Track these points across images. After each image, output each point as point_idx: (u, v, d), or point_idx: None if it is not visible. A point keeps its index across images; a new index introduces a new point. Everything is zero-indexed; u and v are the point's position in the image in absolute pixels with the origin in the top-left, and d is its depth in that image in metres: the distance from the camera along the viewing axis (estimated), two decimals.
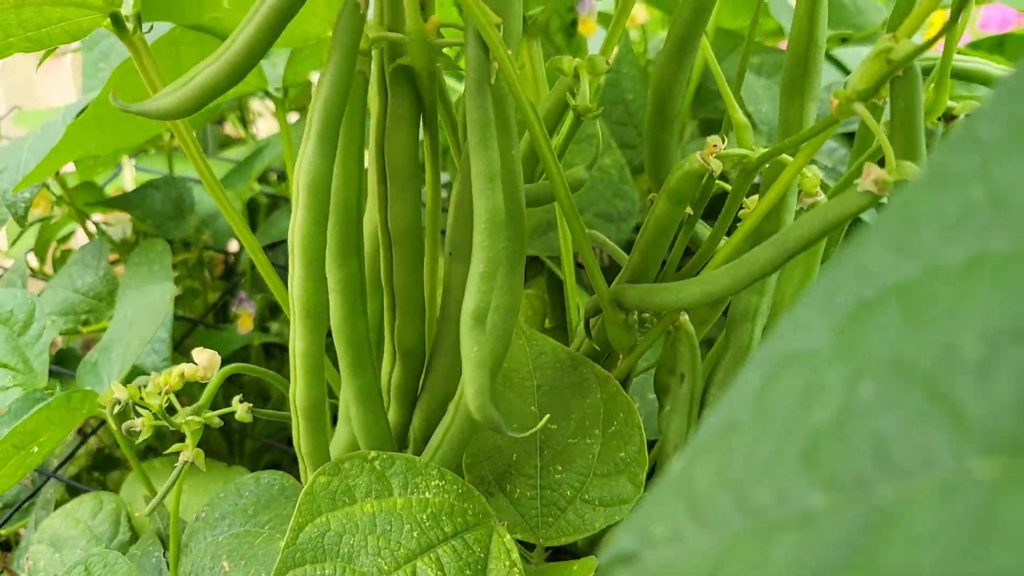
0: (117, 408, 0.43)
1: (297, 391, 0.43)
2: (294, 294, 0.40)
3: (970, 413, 0.12)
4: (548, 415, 0.51)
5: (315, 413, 0.46)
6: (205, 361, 0.46)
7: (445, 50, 0.39)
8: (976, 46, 1.00)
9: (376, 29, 0.38)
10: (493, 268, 0.37)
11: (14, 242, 0.97)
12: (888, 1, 0.97)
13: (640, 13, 0.94)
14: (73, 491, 0.79)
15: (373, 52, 0.39)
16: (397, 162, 0.41)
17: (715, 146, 0.39)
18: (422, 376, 0.50)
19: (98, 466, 0.91)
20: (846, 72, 1.00)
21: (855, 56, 0.99)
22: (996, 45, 1.05)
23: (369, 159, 0.43)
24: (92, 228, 0.90)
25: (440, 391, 0.48)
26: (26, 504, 0.76)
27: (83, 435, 0.81)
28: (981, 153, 0.14)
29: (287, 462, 0.85)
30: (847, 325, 0.14)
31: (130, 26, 0.54)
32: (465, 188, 0.41)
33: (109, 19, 0.53)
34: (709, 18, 0.42)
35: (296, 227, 0.38)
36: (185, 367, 0.46)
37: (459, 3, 0.35)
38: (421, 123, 0.42)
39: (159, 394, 0.45)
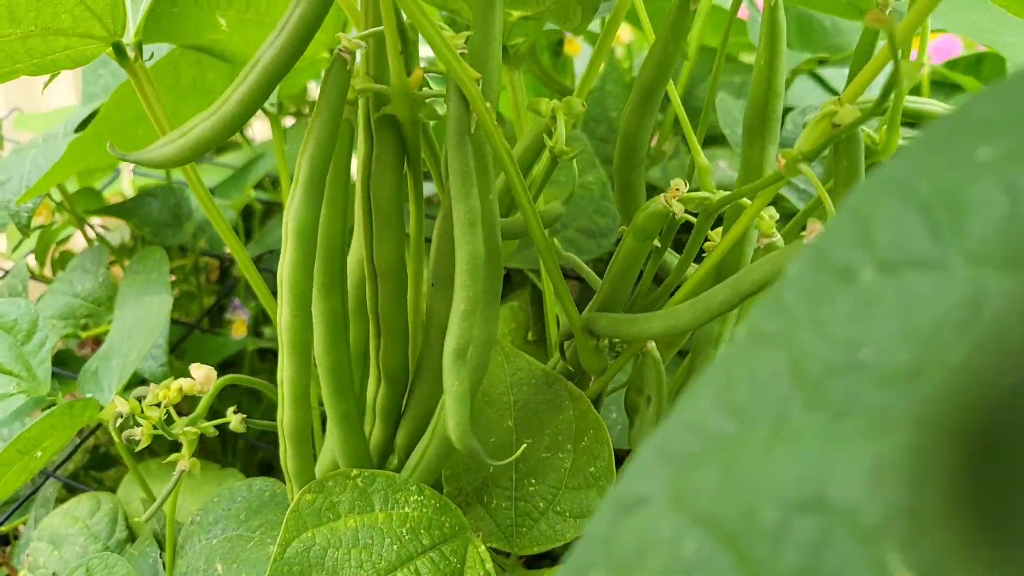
0: (119, 421, 0.46)
1: (284, 416, 0.47)
2: (282, 327, 0.43)
3: None
4: (525, 444, 0.54)
5: (300, 436, 0.49)
6: (202, 376, 0.49)
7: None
8: (953, 65, 1.04)
9: (362, 80, 0.41)
10: (473, 307, 0.40)
11: (16, 248, 1.00)
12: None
13: (625, 32, 0.97)
14: (71, 490, 0.82)
15: (359, 100, 0.42)
16: (382, 203, 0.44)
17: (677, 189, 0.43)
18: (405, 397, 0.53)
19: (95, 464, 0.94)
20: (830, 90, 1.03)
21: (839, 76, 1.01)
22: (973, 64, 1.08)
23: (356, 199, 0.46)
24: (91, 233, 0.93)
25: (422, 411, 0.52)
26: (26, 502, 0.79)
27: (81, 435, 0.84)
28: (786, 319, 0.17)
29: (278, 461, 0.89)
30: (680, 477, 0.16)
31: (131, 54, 0.56)
32: (446, 225, 0.44)
33: (111, 48, 0.56)
34: (671, 72, 0.45)
35: (285, 268, 0.42)
36: (183, 382, 0.49)
37: (440, 61, 0.38)
38: (405, 165, 0.45)
39: (158, 406, 0.48)
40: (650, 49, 0.45)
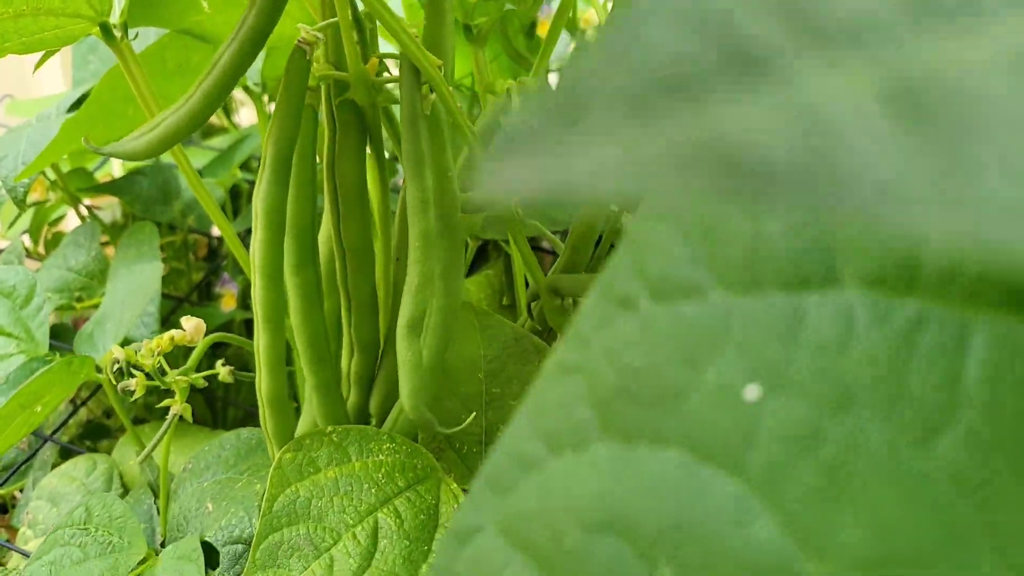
0: (116, 366, 0.50)
1: (262, 383, 0.51)
2: (256, 301, 0.47)
3: None
4: (475, 414, 0.58)
5: (278, 401, 0.54)
6: (192, 328, 0.53)
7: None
8: None
9: (322, 68, 0.45)
10: (425, 281, 0.45)
11: (11, 224, 1.03)
12: None
13: (594, 14, 1.01)
14: (66, 456, 0.86)
15: (321, 86, 0.46)
16: (346, 183, 0.48)
17: None
18: (378, 364, 0.58)
19: (89, 435, 0.97)
20: None
21: None
22: None
23: (324, 180, 0.50)
24: (84, 212, 0.97)
25: (393, 377, 0.56)
26: (24, 466, 0.83)
27: (75, 405, 0.88)
28: (583, 348, 0.18)
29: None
30: (506, 505, 0.18)
31: (118, 34, 0.60)
32: (406, 204, 0.48)
33: (98, 27, 0.60)
34: None
35: (256, 246, 0.46)
36: (175, 332, 0.53)
37: (401, 50, 0.42)
38: (368, 146, 0.49)
39: (152, 356, 0.52)
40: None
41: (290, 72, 0.43)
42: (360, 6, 0.46)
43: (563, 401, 0.20)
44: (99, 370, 0.65)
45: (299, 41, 0.43)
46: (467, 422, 0.55)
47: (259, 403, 0.54)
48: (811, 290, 0.18)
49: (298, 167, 0.46)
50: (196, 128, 0.43)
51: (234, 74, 0.41)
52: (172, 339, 0.52)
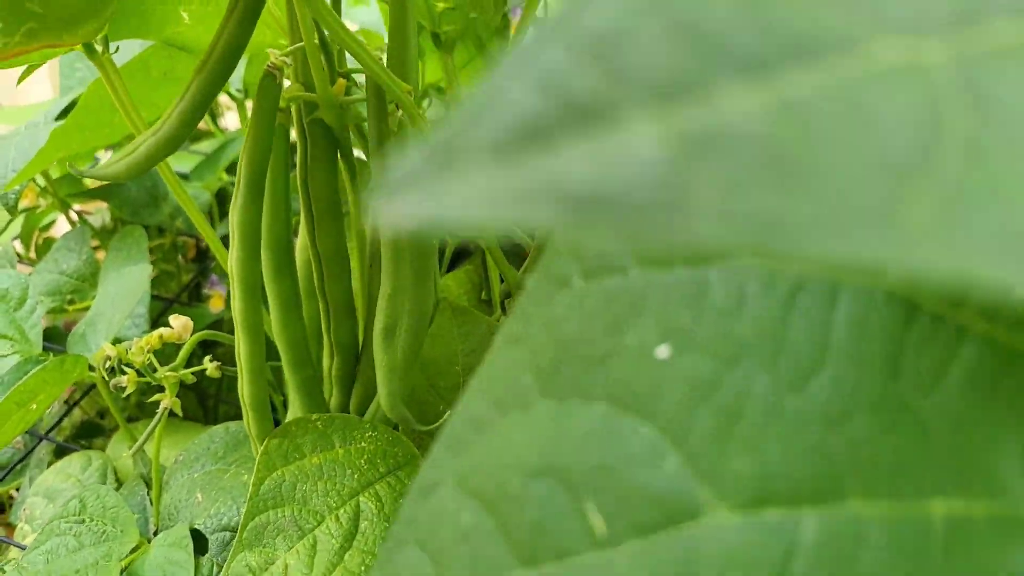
0: (107, 364, 0.53)
1: (244, 387, 0.53)
2: (235, 311, 0.50)
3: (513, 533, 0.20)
4: (449, 413, 0.61)
5: (259, 404, 0.56)
6: (180, 325, 0.56)
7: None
8: None
9: (292, 89, 0.47)
10: (396, 290, 0.47)
11: (2, 230, 1.05)
12: None
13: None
14: (62, 454, 0.88)
15: (291, 105, 0.49)
16: (319, 196, 0.51)
17: None
18: (357, 364, 0.60)
19: (83, 435, 1.00)
20: None
21: None
22: None
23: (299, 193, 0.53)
24: (74, 216, 0.99)
25: (372, 377, 0.59)
26: (21, 465, 0.85)
27: (68, 405, 0.90)
28: (525, 321, 0.22)
29: None
30: (461, 461, 0.21)
31: (99, 48, 0.62)
32: None
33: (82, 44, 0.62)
34: None
35: (233, 259, 0.48)
36: (163, 330, 0.55)
37: (370, 77, 0.44)
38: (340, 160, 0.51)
39: (142, 353, 0.54)
40: None
41: (261, 95, 0.46)
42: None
43: (509, 369, 0.22)
44: (92, 369, 0.67)
45: (268, 65, 0.46)
46: (443, 420, 0.57)
47: (242, 407, 0.56)
48: (711, 264, 0.20)
49: (271, 183, 0.48)
50: (174, 150, 0.45)
51: (206, 97, 0.44)
52: (161, 337, 0.55)
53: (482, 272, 0.88)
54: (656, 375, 0.20)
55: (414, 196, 0.12)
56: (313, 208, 0.52)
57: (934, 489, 0.17)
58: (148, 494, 0.64)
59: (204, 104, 0.44)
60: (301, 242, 0.55)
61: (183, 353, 0.58)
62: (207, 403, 0.96)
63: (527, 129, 0.12)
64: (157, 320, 0.97)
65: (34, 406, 0.65)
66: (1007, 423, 0.17)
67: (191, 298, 1.02)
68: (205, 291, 0.95)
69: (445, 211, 0.12)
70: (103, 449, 0.94)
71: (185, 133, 0.44)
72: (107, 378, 0.55)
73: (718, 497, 0.18)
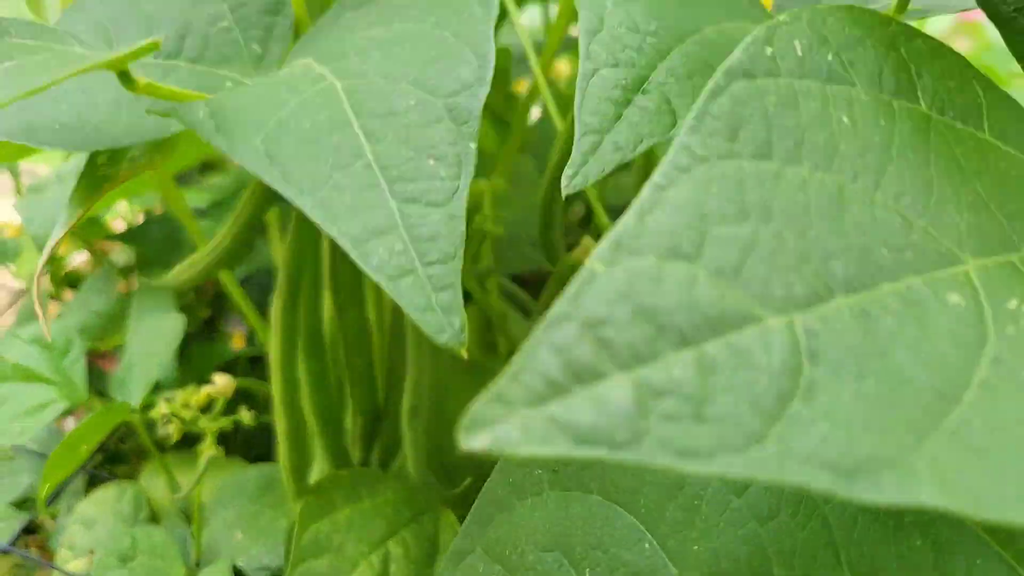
0: (166, 421, 0.60)
1: (282, 454, 0.61)
2: (273, 387, 0.58)
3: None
4: (470, 480, 0.69)
5: (296, 471, 0.64)
6: (223, 383, 0.63)
7: None
8: None
9: None
10: (419, 376, 0.55)
11: (24, 266, 1.12)
12: None
13: (563, 66, 1.11)
14: (92, 481, 0.95)
15: None
16: (343, 285, 0.58)
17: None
18: (377, 424, 0.68)
19: (106, 461, 1.07)
20: None
21: None
22: None
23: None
24: (98, 255, 1.05)
25: (391, 435, 0.66)
26: (61, 493, 0.92)
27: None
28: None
29: (271, 452, 1.02)
30: (488, 534, 0.30)
31: None
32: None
33: None
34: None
35: (272, 350, 0.56)
36: (209, 388, 0.62)
37: None
38: None
39: (189, 408, 0.61)
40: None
41: (298, 213, 0.53)
42: None
43: (524, 462, 0.30)
44: (131, 411, 0.74)
45: None
46: (464, 485, 0.65)
47: (282, 469, 0.64)
48: None
49: (307, 283, 0.56)
50: (230, 265, 0.53)
51: (257, 215, 0.51)
52: (208, 394, 0.62)
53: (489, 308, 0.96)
54: (637, 475, 0.28)
55: (484, 434, 0.19)
56: (340, 298, 0.59)
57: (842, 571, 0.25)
58: (188, 530, 0.71)
59: (255, 223, 0.51)
60: (328, 321, 0.63)
61: (221, 405, 0.65)
62: (229, 437, 1.03)
63: (549, 386, 0.20)
64: (180, 352, 1.04)
65: (84, 447, 0.72)
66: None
67: (211, 331, 1.09)
68: (226, 331, 1.02)
69: (502, 445, 0.19)
70: (127, 474, 1.01)
71: (240, 252, 0.52)
72: (144, 432, 0.62)
73: (682, 573, 0.25)
